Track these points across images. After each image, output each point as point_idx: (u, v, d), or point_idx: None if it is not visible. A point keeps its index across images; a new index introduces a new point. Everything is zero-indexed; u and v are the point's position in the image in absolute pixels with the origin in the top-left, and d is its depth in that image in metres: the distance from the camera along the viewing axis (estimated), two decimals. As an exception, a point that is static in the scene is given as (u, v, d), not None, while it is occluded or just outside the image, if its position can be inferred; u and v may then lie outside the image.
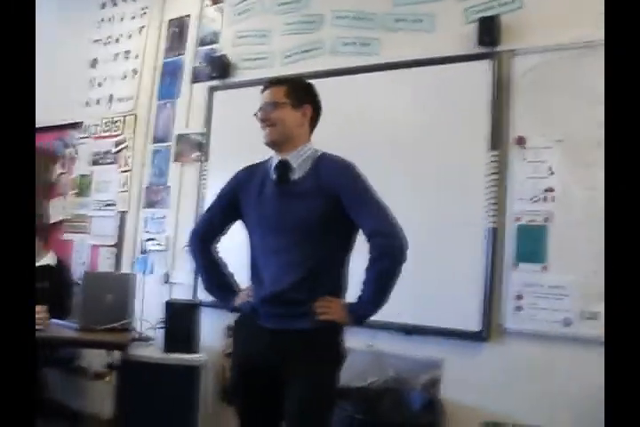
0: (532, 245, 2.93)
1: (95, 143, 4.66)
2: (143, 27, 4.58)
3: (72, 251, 4.64)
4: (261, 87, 2.29)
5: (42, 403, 3.96)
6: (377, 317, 2.54)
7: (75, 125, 4.82)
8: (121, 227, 4.42)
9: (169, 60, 4.41)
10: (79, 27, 4.94)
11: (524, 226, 2.96)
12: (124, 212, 4.41)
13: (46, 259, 4.07)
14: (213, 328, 3.72)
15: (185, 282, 3.94)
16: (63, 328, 3.48)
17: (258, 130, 3.81)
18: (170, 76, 4.37)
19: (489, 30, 3.11)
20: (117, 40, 4.73)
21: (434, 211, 3.14)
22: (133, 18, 4.65)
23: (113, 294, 3.52)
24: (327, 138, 3.26)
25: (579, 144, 2.87)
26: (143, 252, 4.22)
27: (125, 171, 4.44)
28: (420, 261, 3.00)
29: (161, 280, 4.08)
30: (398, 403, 2.96)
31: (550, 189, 2.91)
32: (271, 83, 2.29)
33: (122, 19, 4.73)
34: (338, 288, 2.18)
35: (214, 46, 4.19)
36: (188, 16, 4.36)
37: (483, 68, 3.10)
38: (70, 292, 4.11)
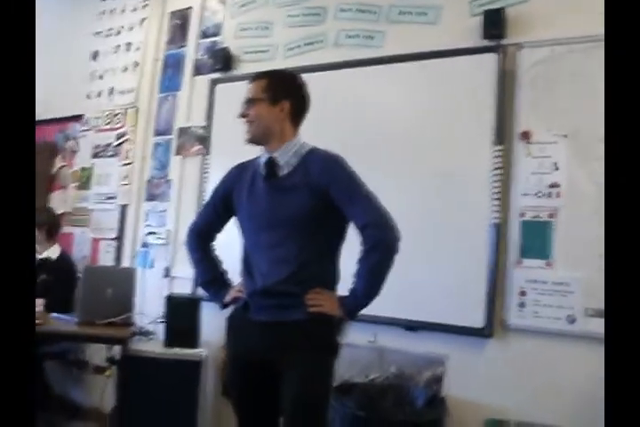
0: (537, 241, 2.90)
1: (96, 136, 4.63)
2: (144, 19, 4.54)
3: (73, 244, 4.62)
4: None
5: (43, 397, 3.98)
6: (380, 312, 2.55)
7: (76, 118, 4.78)
8: (122, 220, 4.40)
9: (170, 52, 4.38)
10: (80, 19, 4.91)
11: (528, 222, 2.93)
12: (124, 205, 4.39)
13: (48, 252, 4.05)
14: (214, 322, 3.66)
15: (186, 276, 3.91)
16: (63, 322, 3.47)
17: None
18: (171, 68, 4.34)
19: (494, 23, 3.07)
20: (119, 32, 4.69)
21: (438, 206, 3.12)
22: (135, 10, 4.62)
23: (113, 289, 3.50)
24: (330, 131, 3.27)
25: (585, 139, 2.84)
26: (144, 245, 4.20)
27: (127, 164, 4.42)
28: (424, 256, 3.00)
29: (161, 274, 4.06)
30: (401, 400, 2.94)
31: (555, 185, 2.88)
32: (253, 78, 2.26)
33: (123, 11, 4.69)
34: (330, 281, 2.19)
35: (216, 39, 4.15)
36: (190, 8, 4.32)
37: (488, 62, 3.06)
38: (72, 285, 4.09)
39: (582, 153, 2.84)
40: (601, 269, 2.71)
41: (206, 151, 3.99)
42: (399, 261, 2.11)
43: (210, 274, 2.40)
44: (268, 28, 3.90)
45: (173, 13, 4.41)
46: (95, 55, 4.79)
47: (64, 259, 4.13)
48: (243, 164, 2.38)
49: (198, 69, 4.20)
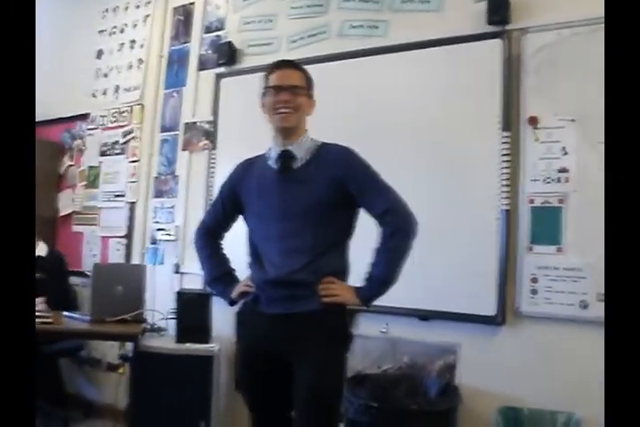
0: (547, 227, 2.87)
1: (103, 134, 4.63)
2: (148, 15, 4.53)
3: (82, 243, 4.63)
4: (271, 67, 2.26)
5: (58, 395, 4.00)
6: (391, 303, 2.53)
7: (82, 117, 4.79)
8: (130, 218, 4.40)
9: (175, 48, 4.37)
10: (84, 17, 4.91)
11: (538, 208, 2.90)
12: (133, 202, 4.39)
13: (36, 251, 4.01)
14: (225, 317, 3.65)
15: (196, 272, 3.89)
16: (75, 320, 3.47)
17: (264, 116, 3.79)
18: (176, 64, 4.33)
19: (498, 9, 3.04)
20: (122, 30, 4.69)
21: (446, 194, 3.09)
22: (138, 7, 4.61)
23: (123, 286, 3.51)
24: (338, 122, 3.26)
25: (592, 123, 2.80)
26: (153, 242, 4.20)
27: (134, 161, 4.42)
28: (434, 245, 2.98)
29: (171, 270, 4.06)
30: (414, 389, 2.92)
31: (564, 170, 2.85)
32: (286, 64, 2.25)
33: (126, 8, 4.68)
34: (342, 272, 2.20)
35: (220, 33, 4.13)
36: (193, 3, 4.31)
37: (493, 48, 3.03)
38: (64, 282, 4.09)
39: (590, 137, 2.80)
40: (613, 253, 2.71)
41: (213, 146, 3.98)
42: (409, 250, 2.15)
43: (217, 271, 2.39)
44: (272, 20, 3.88)
45: (176, 9, 4.40)
46: (100, 53, 4.78)
47: (54, 256, 4.09)
48: (249, 160, 2.38)
49: (203, 64, 4.19)
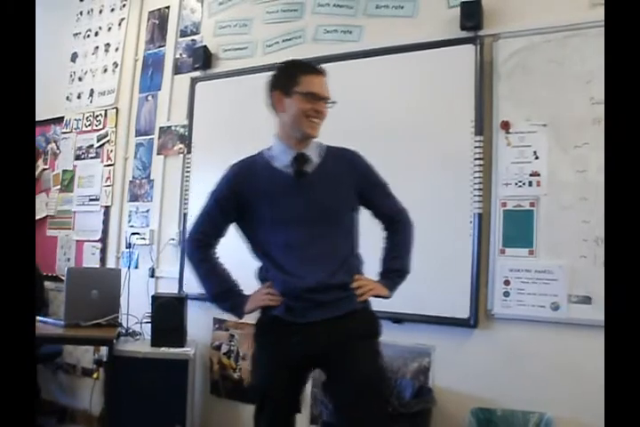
0: (519, 230, 2.90)
1: (78, 138, 4.61)
2: (123, 19, 4.51)
3: (57, 247, 4.60)
4: (305, 68, 2.23)
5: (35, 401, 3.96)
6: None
7: (57, 120, 4.77)
8: (105, 222, 4.38)
9: (150, 52, 4.36)
10: (58, 20, 4.87)
11: (510, 211, 2.93)
12: (108, 206, 4.37)
13: None
14: (200, 321, 3.70)
15: (171, 275, 3.91)
16: (49, 325, 3.45)
17: (240, 120, 3.80)
18: (151, 68, 4.32)
19: (471, 15, 3.07)
20: (97, 33, 4.67)
21: (419, 197, 3.10)
22: (113, 10, 4.59)
23: (99, 290, 3.49)
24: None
25: (564, 128, 2.85)
26: (128, 246, 4.18)
27: (109, 165, 4.40)
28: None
29: (147, 274, 4.04)
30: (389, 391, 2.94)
31: (536, 174, 2.89)
32: (323, 72, 2.25)
33: (101, 11, 4.66)
34: (361, 270, 2.25)
35: (195, 37, 4.14)
36: (168, 7, 4.30)
37: (466, 53, 3.06)
38: (40, 285, 4.07)
39: (561, 142, 2.85)
40: (583, 255, 2.76)
41: (188, 150, 3.97)
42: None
43: (222, 286, 2.26)
44: (247, 25, 3.89)
45: (152, 13, 4.39)
46: (74, 56, 4.76)
47: None
48: (245, 163, 2.26)
49: (178, 68, 4.19)
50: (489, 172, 2.98)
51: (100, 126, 4.48)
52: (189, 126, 3.99)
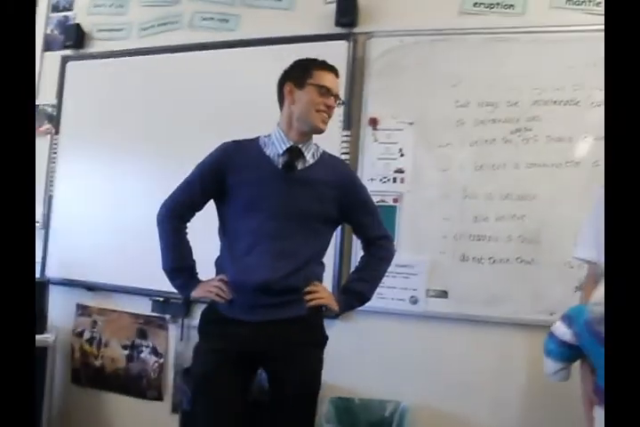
0: (382, 225, 2.98)
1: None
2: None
3: None
4: (319, 64, 2.22)
5: None
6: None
7: None
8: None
9: (19, 26, 4.14)
10: None
11: (374, 206, 3.01)
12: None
13: None
14: (63, 307, 3.59)
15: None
16: None
17: (112, 102, 3.69)
18: (20, 43, 4.11)
19: (347, 12, 3.13)
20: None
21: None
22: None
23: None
24: (186, 111, 3.24)
25: (429, 127, 2.96)
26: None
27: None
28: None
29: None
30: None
31: (400, 171, 2.98)
32: (336, 71, 2.23)
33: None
34: (321, 278, 2.22)
35: (68, 14, 3.96)
36: (41, -21, 4.10)
37: (340, 49, 3.10)
38: None
39: (427, 140, 2.96)
40: (442, 251, 2.87)
41: (55, 131, 3.83)
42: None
43: (180, 262, 2.21)
44: (123, 6, 3.77)
45: (22, -16, 4.18)
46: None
47: None
48: (239, 142, 2.22)
49: (48, 45, 3.98)
50: (355, 167, 3.03)
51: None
52: (58, 106, 3.84)
